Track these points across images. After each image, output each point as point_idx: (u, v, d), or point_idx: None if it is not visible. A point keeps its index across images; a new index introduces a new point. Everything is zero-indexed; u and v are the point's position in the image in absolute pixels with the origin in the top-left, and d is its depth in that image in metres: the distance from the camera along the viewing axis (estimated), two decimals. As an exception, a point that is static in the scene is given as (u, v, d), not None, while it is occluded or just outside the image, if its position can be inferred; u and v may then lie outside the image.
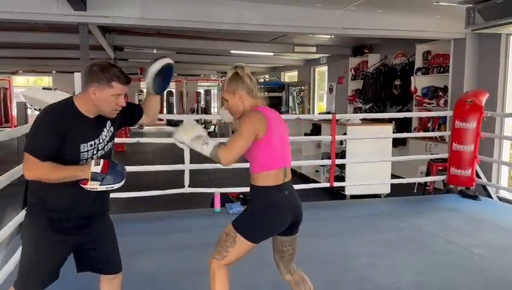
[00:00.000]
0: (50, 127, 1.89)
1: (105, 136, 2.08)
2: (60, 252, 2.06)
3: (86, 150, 1.99)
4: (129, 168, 5.54)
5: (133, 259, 3.57)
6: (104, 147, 2.07)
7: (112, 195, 5.57)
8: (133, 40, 9.62)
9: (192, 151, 5.25)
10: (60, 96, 4.27)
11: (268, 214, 2.15)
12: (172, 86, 23.20)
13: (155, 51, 11.72)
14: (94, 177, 1.93)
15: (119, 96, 1.98)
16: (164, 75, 2.21)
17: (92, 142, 2.01)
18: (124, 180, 2.03)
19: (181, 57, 13.25)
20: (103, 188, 1.96)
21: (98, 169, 1.94)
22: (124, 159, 10.36)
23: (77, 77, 5.54)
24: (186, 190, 4.96)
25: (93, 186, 1.94)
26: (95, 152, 2.03)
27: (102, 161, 1.98)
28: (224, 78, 2.23)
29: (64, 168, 1.91)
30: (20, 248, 2.22)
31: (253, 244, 2.17)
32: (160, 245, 3.94)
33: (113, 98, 1.97)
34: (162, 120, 20.97)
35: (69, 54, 10.76)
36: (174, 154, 7.08)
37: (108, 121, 2.08)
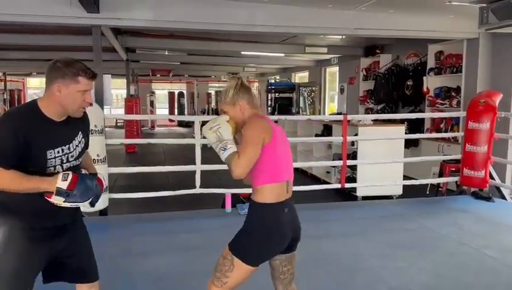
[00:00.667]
0: (12, 133, 1.74)
1: (77, 145, 1.94)
2: (34, 262, 1.90)
3: (53, 156, 1.84)
4: (141, 169, 5.63)
5: (144, 259, 3.61)
6: (75, 158, 1.94)
7: (124, 195, 5.61)
8: (145, 42, 9.70)
9: (203, 152, 5.27)
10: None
11: (268, 235, 2.00)
12: (183, 88, 23.36)
13: (166, 53, 11.82)
14: (59, 192, 1.79)
15: (85, 93, 1.86)
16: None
17: (60, 149, 1.86)
18: (93, 197, 1.88)
19: (192, 58, 13.33)
20: (67, 205, 1.81)
21: (64, 185, 1.79)
22: (135, 160, 10.45)
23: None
24: (198, 190, 4.99)
25: (57, 201, 1.80)
26: (64, 160, 1.88)
27: (70, 175, 1.82)
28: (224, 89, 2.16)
29: (28, 179, 1.77)
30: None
31: (253, 267, 2.02)
32: (171, 245, 3.97)
33: (80, 94, 1.84)
34: (173, 121, 21.14)
35: (82, 56, 10.85)
36: (185, 155, 7.12)
37: (80, 133, 1.97)
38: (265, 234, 1.99)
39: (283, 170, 2.05)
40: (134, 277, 3.26)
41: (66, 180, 1.79)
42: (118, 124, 18.95)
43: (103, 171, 4.52)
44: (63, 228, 1.96)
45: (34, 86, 20.19)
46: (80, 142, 1.96)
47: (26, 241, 1.86)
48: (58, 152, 1.86)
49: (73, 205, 1.83)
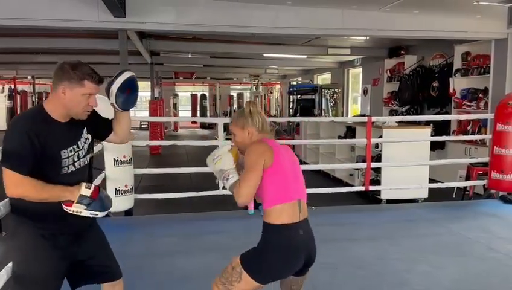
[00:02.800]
0: (26, 136, 1.76)
1: (84, 143, 1.97)
2: (60, 269, 1.94)
3: (66, 156, 1.88)
4: (165, 170, 5.70)
5: (168, 259, 3.66)
6: (84, 156, 1.97)
7: (148, 196, 5.69)
8: (168, 45, 9.85)
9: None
10: (100, 99, 4.42)
11: (280, 257, 1.97)
12: (205, 90, 23.55)
13: (190, 55, 11.94)
14: (81, 200, 1.84)
15: (90, 96, 1.86)
16: (130, 89, 2.01)
17: (71, 148, 1.90)
18: (109, 207, 1.94)
19: (214, 61, 13.44)
20: (87, 213, 1.86)
21: (88, 193, 1.85)
22: (159, 161, 10.59)
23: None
24: (220, 191, 5.01)
25: (78, 209, 1.84)
26: (75, 159, 1.92)
27: (93, 185, 1.89)
28: (235, 113, 2.20)
29: (51, 188, 1.80)
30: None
31: (260, 284, 2.00)
32: (195, 246, 4.00)
33: (84, 97, 1.85)
34: (196, 123, 21.34)
35: (108, 59, 11.12)
36: (207, 156, 7.17)
37: (85, 129, 1.98)
38: (277, 256, 1.97)
39: (291, 189, 2.02)
40: (158, 277, 3.30)
41: (90, 188, 1.87)
42: (142, 126, 19.23)
43: (129, 172, 4.61)
44: (81, 233, 2.00)
45: (61, 89, 20.64)
46: (86, 138, 1.99)
47: (49, 249, 1.88)
48: (71, 151, 1.90)
49: (93, 214, 1.88)
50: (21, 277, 1.91)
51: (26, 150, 1.76)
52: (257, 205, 5.46)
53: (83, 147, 1.96)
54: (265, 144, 2.04)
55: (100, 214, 1.90)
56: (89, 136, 2.01)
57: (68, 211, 1.84)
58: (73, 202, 1.83)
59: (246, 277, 1.97)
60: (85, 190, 1.85)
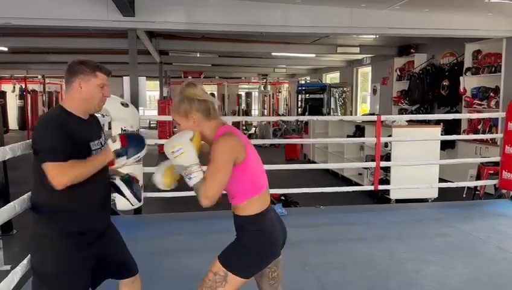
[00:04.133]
0: (56, 129, 1.84)
1: (104, 140, 2.05)
2: (85, 269, 1.96)
3: (94, 148, 1.96)
4: (174, 169, 5.72)
5: (177, 257, 3.67)
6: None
7: (158, 194, 5.72)
8: (177, 45, 9.87)
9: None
10: (110, 98, 4.45)
11: (262, 244, 1.91)
12: (214, 89, 23.58)
13: (198, 55, 11.98)
14: (118, 154, 1.89)
15: (104, 87, 1.97)
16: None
17: (98, 142, 2.00)
18: (145, 145, 1.99)
19: (223, 60, 13.45)
20: (131, 161, 1.91)
21: (117, 145, 1.90)
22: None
23: (126, 80, 5.75)
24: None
25: (122, 162, 1.90)
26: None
27: (117, 136, 1.93)
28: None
29: (89, 160, 1.87)
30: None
31: (246, 280, 1.93)
32: (204, 245, 4.01)
33: (99, 89, 1.95)
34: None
35: (117, 58, 11.18)
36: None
37: (101, 131, 2.10)
38: (260, 243, 1.91)
39: (261, 179, 1.96)
40: (167, 275, 3.32)
41: (116, 140, 1.91)
42: (151, 125, 19.33)
43: (139, 170, 4.63)
44: (103, 232, 2.05)
45: (71, 88, 20.80)
46: (104, 136, 2.09)
47: (74, 250, 1.91)
48: (97, 144, 1.99)
49: (136, 157, 1.94)
50: (46, 277, 1.91)
51: (60, 140, 1.82)
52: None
53: (104, 143, 2.03)
54: (234, 137, 1.86)
55: (142, 153, 1.96)
56: (104, 138, 2.09)
57: (115, 170, 1.96)
58: (113, 159, 1.89)
59: (232, 278, 1.89)
60: (114, 144, 1.90)
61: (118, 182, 2.07)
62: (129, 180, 2.10)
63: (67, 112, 1.93)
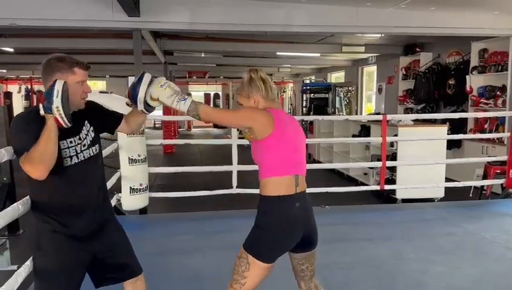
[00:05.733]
0: (25, 128, 1.83)
1: (86, 134, 2.00)
2: (80, 265, 1.98)
3: (66, 146, 1.91)
4: (179, 169, 5.73)
5: (182, 257, 3.68)
6: (88, 147, 1.99)
7: (163, 195, 5.72)
8: (182, 45, 9.88)
9: (239, 153, 5.30)
10: (115, 99, 4.45)
11: (278, 228, 1.95)
12: (219, 89, 23.60)
13: (203, 55, 11.98)
14: (45, 109, 1.79)
15: (83, 83, 1.94)
16: None
17: (71, 139, 1.93)
18: (57, 81, 1.82)
19: (227, 60, 13.44)
20: (57, 100, 1.76)
21: (40, 107, 1.81)
22: (173, 160, 10.65)
23: (131, 80, 5.75)
24: (234, 190, 5.01)
25: (54, 110, 1.77)
26: (78, 150, 1.95)
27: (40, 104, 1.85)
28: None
29: (42, 135, 1.77)
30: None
31: (268, 264, 1.97)
32: (209, 244, 4.01)
33: (78, 85, 1.91)
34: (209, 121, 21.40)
35: (122, 59, 11.21)
36: (220, 155, 7.19)
37: (86, 121, 2.01)
38: (275, 228, 1.96)
39: (290, 164, 2.00)
40: (172, 275, 3.32)
41: (40, 108, 1.82)
42: (156, 126, 19.37)
43: (144, 170, 4.64)
44: (99, 230, 2.03)
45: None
46: (88, 131, 2.02)
47: (69, 245, 1.92)
48: (71, 142, 1.93)
49: (57, 95, 1.78)
50: (42, 273, 1.96)
51: (27, 137, 1.79)
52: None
53: (85, 138, 1.99)
54: (267, 112, 2.00)
55: (58, 87, 1.78)
56: (92, 129, 2.04)
57: (63, 123, 1.80)
58: (55, 119, 1.78)
59: (254, 262, 1.95)
60: (40, 110, 1.81)
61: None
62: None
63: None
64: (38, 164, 1.77)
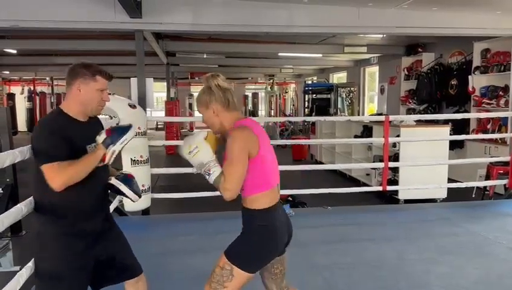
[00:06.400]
0: (53, 134, 1.87)
1: None
2: (85, 268, 1.99)
3: (87, 151, 1.97)
4: (181, 170, 5.75)
5: (184, 258, 3.68)
6: None
7: (165, 195, 5.72)
8: (184, 46, 9.90)
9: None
10: (118, 100, 4.46)
11: (267, 239, 1.94)
12: (221, 90, 23.65)
13: (205, 56, 12.00)
14: (105, 143, 1.92)
15: (103, 91, 2.00)
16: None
17: (92, 145, 1.99)
18: (131, 128, 2.01)
19: (229, 61, 13.47)
20: (119, 146, 1.94)
21: (103, 137, 1.95)
22: (175, 161, 10.65)
23: (133, 81, 5.76)
24: (236, 191, 5.01)
25: (111, 151, 1.92)
26: None
27: (103, 131, 2.00)
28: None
29: (80, 159, 1.88)
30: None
31: (252, 274, 1.96)
32: (211, 245, 3.99)
33: (98, 93, 1.97)
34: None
35: (125, 60, 11.23)
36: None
37: (101, 129, 2.08)
38: (265, 238, 1.94)
39: (272, 175, 1.98)
40: (174, 275, 3.32)
41: (101, 134, 1.97)
42: (159, 127, 19.40)
43: (146, 171, 4.64)
44: (102, 232, 2.05)
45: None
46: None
47: (73, 248, 1.94)
48: (90, 148, 1.98)
49: (123, 141, 1.95)
50: (44, 276, 1.95)
51: (54, 143, 1.85)
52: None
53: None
54: (248, 130, 1.90)
55: (129, 135, 1.97)
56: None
57: (106, 163, 1.94)
58: (104, 153, 1.92)
59: (238, 272, 1.92)
60: (100, 137, 1.95)
61: (114, 181, 2.05)
62: (126, 178, 2.09)
63: (65, 114, 1.96)
64: (67, 179, 1.84)
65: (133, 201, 2.14)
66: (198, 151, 1.88)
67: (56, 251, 1.93)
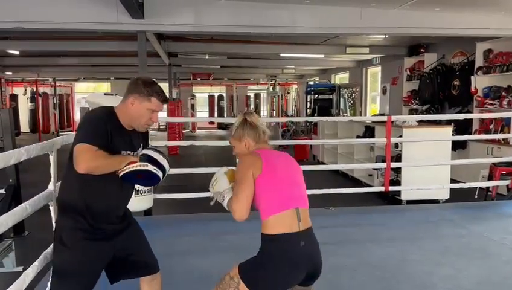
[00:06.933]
0: (101, 122, 1.95)
1: (137, 154, 2.10)
2: (100, 263, 2.06)
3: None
4: (183, 170, 5.75)
5: (187, 259, 3.68)
6: None
7: (168, 196, 5.72)
8: (186, 47, 9.91)
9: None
10: (120, 100, 4.47)
11: (277, 268, 1.89)
12: (223, 91, 23.66)
13: (207, 56, 12.01)
14: (143, 158, 1.98)
15: (154, 112, 2.04)
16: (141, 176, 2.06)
17: (130, 152, 2.05)
18: (166, 171, 2.07)
19: (231, 62, 13.49)
20: (150, 167, 1.98)
21: (145, 152, 2.04)
22: (178, 162, 10.65)
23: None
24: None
25: (142, 164, 1.96)
26: None
27: (150, 148, 2.09)
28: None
29: (114, 155, 1.94)
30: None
31: None
32: (213, 246, 4.02)
33: (148, 112, 2.02)
34: (213, 123, 21.45)
35: (127, 61, 11.25)
36: (224, 156, 7.18)
37: (142, 144, 2.14)
38: (274, 268, 1.89)
39: (285, 197, 1.96)
40: (177, 276, 3.31)
41: (144, 150, 2.09)
42: (160, 127, 19.41)
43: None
44: (123, 229, 2.13)
45: (82, 91, 21.02)
46: (139, 152, 2.13)
47: (91, 244, 2.00)
48: (129, 155, 2.05)
49: (154, 169, 2.00)
50: (62, 270, 2.02)
51: (101, 132, 1.92)
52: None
53: (136, 156, 2.08)
54: (254, 155, 2.03)
55: (161, 172, 2.03)
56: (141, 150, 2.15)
57: (133, 167, 1.96)
58: (135, 161, 1.97)
59: (243, 288, 1.93)
60: (143, 151, 2.06)
61: (148, 151, 2.07)
62: (154, 149, 2.13)
63: (115, 117, 2.02)
64: (94, 167, 1.87)
65: (166, 170, 2.10)
66: (217, 182, 2.11)
67: (75, 247, 1.99)
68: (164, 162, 2.05)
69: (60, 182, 2.18)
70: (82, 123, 2.00)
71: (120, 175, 1.96)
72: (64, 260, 2.01)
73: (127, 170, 1.95)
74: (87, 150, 1.84)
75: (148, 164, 1.98)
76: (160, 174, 2.02)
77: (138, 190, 4.57)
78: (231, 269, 2.00)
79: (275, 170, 1.99)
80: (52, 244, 2.13)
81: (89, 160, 1.84)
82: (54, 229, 2.07)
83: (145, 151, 2.06)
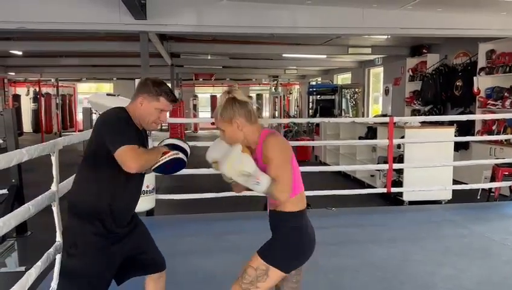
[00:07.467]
0: (128, 122, 2.01)
1: None
2: (112, 269, 2.07)
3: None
4: (186, 171, 5.76)
5: (189, 259, 3.68)
6: None
7: (170, 196, 5.71)
8: (188, 47, 9.92)
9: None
10: (123, 102, 4.47)
11: (304, 239, 2.00)
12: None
13: (209, 57, 12.03)
14: (170, 149, 2.08)
15: (162, 112, 2.07)
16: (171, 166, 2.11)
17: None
18: (184, 163, 2.15)
19: (233, 62, 13.49)
20: (181, 155, 2.09)
21: (168, 141, 2.17)
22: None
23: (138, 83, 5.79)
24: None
25: (174, 152, 2.06)
26: None
27: (169, 138, 2.20)
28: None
29: (151, 150, 2.06)
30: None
31: (286, 274, 2.00)
32: (216, 246, 4.02)
33: (157, 111, 2.05)
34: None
35: (129, 61, 11.26)
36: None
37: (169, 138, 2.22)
38: (303, 239, 2.00)
39: (300, 180, 2.04)
40: (179, 277, 3.32)
41: (165, 141, 2.20)
42: (163, 128, 19.43)
43: (150, 173, 4.64)
44: (129, 232, 2.14)
45: (84, 91, 21.06)
46: None
47: (102, 246, 2.01)
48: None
49: (181, 156, 2.10)
50: (71, 272, 2.03)
51: (132, 133, 1.99)
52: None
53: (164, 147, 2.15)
54: (281, 136, 2.02)
55: (182, 163, 2.12)
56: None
57: (168, 157, 2.04)
58: (168, 151, 2.05)
59: (273, 271, 1.94)
60: (166, 141, 2.19)
61: (171, 140, 2.18)
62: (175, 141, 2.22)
63: (129, 116, 2.05)
64: (144, 163, 1.95)
65: (188, 154, 2.19)
66: (242, 163, 1.84)
67: (86, 249, 2.00)
68: (187, 148, 2.17)
69: (71, 185, 2.17)
70: (109, 126, 1.96)
71: (156, 167, 2.02)
72: (77, 266, 2.00)
73: (163, 160, 2.02)
74: (131, 150, 1.89)
75: (179, 152, 2.07)
76: (186, 160, 2.12)
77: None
78: (251, 261, 1.99)
79: (293, 154, 2.02)
80: (62, 247, 2.14)
81: (138, 159, 1.90)
82: (62, 232, 2.07)
83: (169, 141, 2.16)
